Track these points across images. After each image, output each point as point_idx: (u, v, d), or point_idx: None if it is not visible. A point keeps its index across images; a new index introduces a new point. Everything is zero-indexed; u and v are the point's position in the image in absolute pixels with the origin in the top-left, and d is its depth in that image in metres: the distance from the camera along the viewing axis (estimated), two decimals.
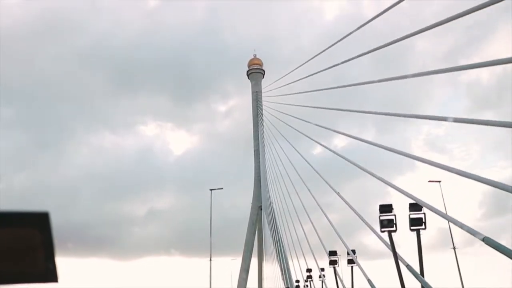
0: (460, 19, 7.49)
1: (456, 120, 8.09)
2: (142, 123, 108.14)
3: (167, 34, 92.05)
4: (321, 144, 17.51)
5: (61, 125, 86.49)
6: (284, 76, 29.10)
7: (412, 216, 8.34)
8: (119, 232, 69.11)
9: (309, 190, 19.61)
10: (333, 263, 15.07)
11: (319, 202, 17.77)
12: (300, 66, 22.95)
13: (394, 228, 8.55)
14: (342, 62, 14.76)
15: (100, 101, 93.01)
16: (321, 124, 17.78)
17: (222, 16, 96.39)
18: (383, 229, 8.66)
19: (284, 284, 30.03)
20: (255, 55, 53.01)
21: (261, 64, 52.56)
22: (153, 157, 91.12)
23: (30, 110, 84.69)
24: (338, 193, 13.90)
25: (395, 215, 8.55)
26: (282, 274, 31.28)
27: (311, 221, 19.46)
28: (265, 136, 41.62)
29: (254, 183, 47.17)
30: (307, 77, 21.21)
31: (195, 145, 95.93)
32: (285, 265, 30.42)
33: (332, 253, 15.07)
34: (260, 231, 44.84)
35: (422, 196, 8.68)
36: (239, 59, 63.02)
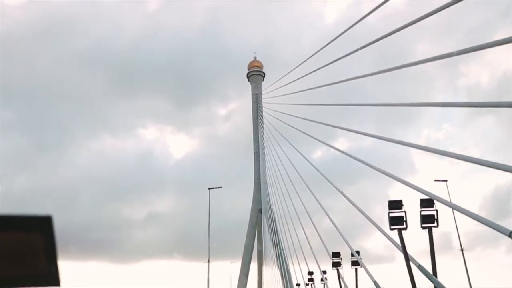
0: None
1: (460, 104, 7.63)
2: (142, 126, 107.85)
3: (168, 37, 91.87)
4: (326, 144, 17.07)
5: (61, 128, 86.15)
6: (284, 77, 28.80)
7: (423, 213, 7.83)
8: (119, 235, 68.72)
9: (311, 192, 19.19)
10: (336, 265, 14.56)
11: (316, 207, 17.43)
12: (300, 65, 22.75)
13: (404, 226, 8.04)
14: (342, 57, 14.61)
15: (100, 104, 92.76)
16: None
17: (223, 19, 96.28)
18: (392, 227, 8.14)
19: (284, 287, 29.52)
20: (255, 57, 52.63)
21: (261, 67, 52.14)
22: (153, 160, 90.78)
23: (30, 112, 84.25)
24: (341, 192, 13.44)
25: (405, 212, 8.05)
26: (282, 277, 30.80)
27: (312, 223, 19.03)
28: (265, 139, 41.24)
29: (254, 186, 46.68)
30: (306, 75, 21.06)
31: (195, 148, 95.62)
32: (285, 268, 29.94)
33: (336, 254, 14.56)
34: (260, 234, 44.33)
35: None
36: (240, 62, 62.70)
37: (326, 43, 16.83)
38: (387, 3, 10.14)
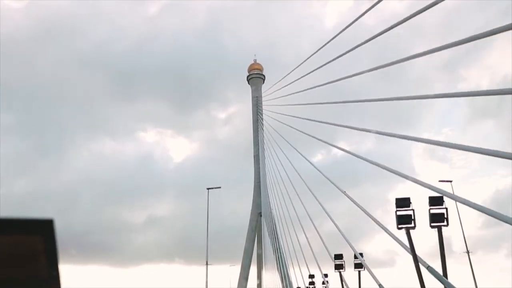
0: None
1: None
2: (142, 130, 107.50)
3: (167, 40, 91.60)
4: (328, 143, 16.81)
5: (61, 131, 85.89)
6: (284, 77, 28.66)
7: (432, 211, 7.47)
8: (119, 238, 68.24)
9: (314, 196, 18.93)
10: (338, 267, 14.19)
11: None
12: (298, 66, 22.76)
13: (412, 225, 7.69)
14: (340, 55, 14.58)
15: (100, 107, 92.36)
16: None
17: (223, 22, 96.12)
18: (400, 226, 7.78)
19: None
20: (255, 60, 52.42)
21: (261, 69, 51.91)
22: (153, 164, 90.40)
23: (30, 115, 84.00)
24: (344, 192, 13.14)
25: (413, 210, 7.69)
26: (282, 281, 30.47)
27: (314, 226, 18.82)
28: (265, 141, 41.00)
29: (254, 189, 46.37)
30: (306, 75, 21.03)
31: (195, 151, 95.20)
32: (285, 271, 29.60)
33: (338, 256, 14.19)
34: (260, 238, 44.00)
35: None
36: (240, 65, 62.48)
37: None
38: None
